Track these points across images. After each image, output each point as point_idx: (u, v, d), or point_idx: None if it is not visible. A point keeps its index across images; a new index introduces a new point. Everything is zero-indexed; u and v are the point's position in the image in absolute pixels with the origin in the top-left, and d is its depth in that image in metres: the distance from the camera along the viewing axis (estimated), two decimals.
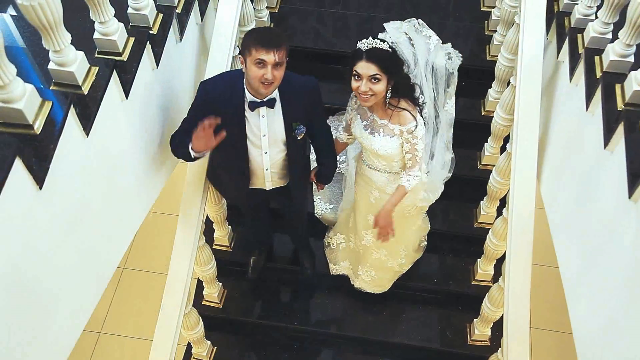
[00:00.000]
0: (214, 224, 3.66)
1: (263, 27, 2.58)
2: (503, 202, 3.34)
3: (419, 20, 3.82)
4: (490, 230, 3.23)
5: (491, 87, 3.64)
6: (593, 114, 2.47)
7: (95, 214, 2.33)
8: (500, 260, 3.32)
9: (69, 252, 2.16)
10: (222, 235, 3.76)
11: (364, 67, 2.62)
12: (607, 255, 2.20)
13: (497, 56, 3.50)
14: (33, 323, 2.00)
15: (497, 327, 3.47)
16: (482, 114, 3.78)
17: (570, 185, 2.66)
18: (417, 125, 2.76)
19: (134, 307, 4.79)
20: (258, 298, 3.78)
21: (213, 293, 3.65)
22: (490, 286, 3.40)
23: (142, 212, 2.79)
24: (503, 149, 3.40)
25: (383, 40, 2.66)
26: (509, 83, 3.27)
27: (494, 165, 3.47)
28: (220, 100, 2.61)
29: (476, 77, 3.83)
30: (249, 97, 2.61)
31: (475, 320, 3.48)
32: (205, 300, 3.71)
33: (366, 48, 2.62)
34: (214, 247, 3.79)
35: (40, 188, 1.92)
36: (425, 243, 3.67)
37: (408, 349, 3.52)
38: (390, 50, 2.66)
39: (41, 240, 1.98)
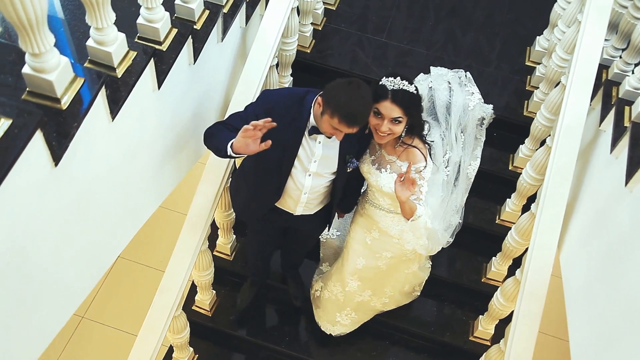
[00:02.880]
0: (218, 230, 3.54)
1: (351, 91, 2.25)
2: (515, 262, 3.23)
3: (468, 73, 3.72)
4: (500, 289, 3.10)
5: (523, 143, 3.54)
6: (632, 191, 2.37)
7: (106, 201, 2.23)
8: (503, 320, 3.20)
9: (72, 236, 2.06)
10: (225, 243, 3.65)
11: (388, 109, 2.48)
12: (628, 343, 2.07)
13: (535, 113, 3.41)
14: (23, 303, 1.89)
15: None
16: (510, 168, 3.67)
17: (596, 259, 2.54)
18: (426, 166, 2.66)
19: (121, 297, 4.67)
20: (250, 313, 3.64)
21: (205, 300, 3.53)
22: (489, 345, 3.28)
23: (152, 207, 2.70)
24: (525, 208, 3.30)
25: (410, 82, 2.51)
26: (542, 143, 3.18)
27: (513, 223, 3.37)
28: (283, 117, 2.41)
29: (509, 130, 3.73)
30: (312, 122, 2.48)
31: None
32: (196, 306, 3.58)
33: (393, 88, 2.47)
34: (215, 253, 3.67)
35: (56, 165, 1.82)
36: (418, 293, 3.51)
37: None
38: (415, 92, 2.52)
39: (46, 219, 1.88)
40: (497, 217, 3.63)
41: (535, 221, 2.88)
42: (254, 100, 2.65)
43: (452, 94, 3.63)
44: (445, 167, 3.55)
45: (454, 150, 3.55)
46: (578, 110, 2.88)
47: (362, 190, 3.03)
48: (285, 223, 2.89)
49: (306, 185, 2.63)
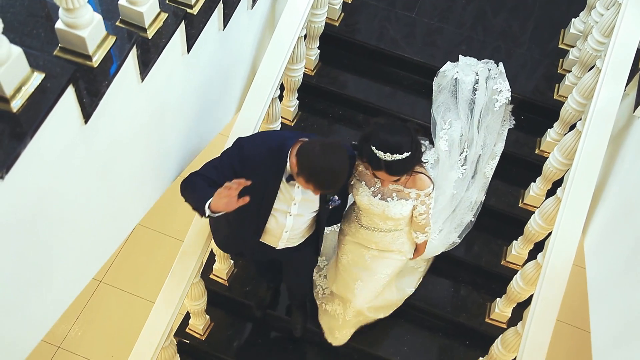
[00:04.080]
0: (216, 256, 3.47)
1: (325, 158, 2.16)
2: (537, 247, 3.19)
3: (500, 66, 3.63)
4: (520, 272, 3.06)
5: (551, 126, 3.47)
6: None
7: (132, 163, 2.22)
8: (520, 304, 3.17)
9: (98, 197, 2.05)
10: (222, 268, 3.54)
11: (386, 176, 2.42)
12: None
13: (565, 97, 3.33)
14: (48, 260, 1.89)
15: None
16: (536, 152, 3.61)
17: (622, 249, 2.49)
18: (433, 187, 2.61)
19: (139, 264, 4.69)
20: (243, 339, 3.58)
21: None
22: (504, 328, 3.25)
23: (176, 171, 2.68)
24: (549, 193, 3.25)
25: (402, 150, 2.33)
26: (571, 127, 3.12)
27: (536, 207, 3.32)
28: (259, 166, 2.36)
29: (537, 114, 3.66)
30: (289, 170, 2.37)
31: (480, 358, 3.33)
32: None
33: (386, 160, 2.34)
34: (211, 276, 3.58)
35: (86, 122, 1.81)
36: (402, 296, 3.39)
37: None
38: (408, 155, 2.35)
39: (74, 177, 1.87)
40: (521, 200, 3.57)
41: (560, 206, 2.83)
42: (234, 140, 2.48)
43: (477, 91, 3.56)
44: (462, 165, 3.52)
45: (472, 148, 3.51)
46: (612, 95, 2.81)
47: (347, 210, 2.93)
48: (270, 255, 2.80)
49: (287, 225, 2.56)
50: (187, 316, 3.51)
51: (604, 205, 2.85)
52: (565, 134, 3.11)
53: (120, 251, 4.72)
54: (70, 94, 1.71)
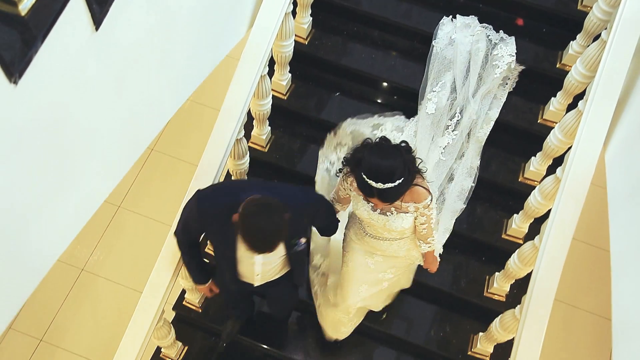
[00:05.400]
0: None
1: (261, 220, 2.13)
2: (556, 163, 3.15)
3: (500, 33, 3.49)
4: (538, 187, 3.04)
5: (574, 39, 3.35)
6: None
7: (145, 74, 2.18)
8: (538, 220, 3.16)
9: (113, 107, 2.02)
10: (193, 298, 3.44)
11: (379, 202, 2.36)
12: None
13: (589, 7, 3.21)
14: (67, 168, 1.89)
15: (516, 286, 3.35)
16: (557, 66, 3.50)
17: None
18: (431, 198, 2.53)
19: (156, 189, 4.74)
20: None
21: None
22: (521, 244, 3.26)
23: (190, 86, 2.63)
24: (570, 107, 3.17)
25: (394, 178, 2.27)
26: (595, 39, 3.01)
27: (556, 122, 3.25)
28: (215, 220, 2.38)
29: (558, 26, 3.54)
30: None
31: (496, 273, 3.36)
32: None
33: (378, 188, 2.28)
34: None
35: (97, 29, 1.75)
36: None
37: (422, 286, 3.41)
38: (401, 181, 2.29)
39: (88, 87, 1.84)
40: (540, 116, 3.51)
41: (582, 118, 2.77)
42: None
43: (474, 57, 3.43)
44: (453, 131, 3.43)
45: (465, 113, 3.41)
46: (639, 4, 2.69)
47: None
48: (249, 288, 2.77)
49: (256, 270, 2.55)
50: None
51: (627, 117, 2.78)
52: (588, 46, 3.01)
53: (136, 177, 4.75)
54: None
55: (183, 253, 2.63)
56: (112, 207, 4.64)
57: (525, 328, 2.66)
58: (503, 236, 3.46)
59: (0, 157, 1.56)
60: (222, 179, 3.38)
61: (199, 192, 2.43)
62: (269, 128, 3.62)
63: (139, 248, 4.51)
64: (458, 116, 3.43)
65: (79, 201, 2.06)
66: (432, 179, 3.31)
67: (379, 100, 3.79)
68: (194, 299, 3.40)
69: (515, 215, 3.38)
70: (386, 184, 2.26)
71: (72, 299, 4.38)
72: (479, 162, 3.43)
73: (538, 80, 3.54)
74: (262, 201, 2.17)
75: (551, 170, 3.11)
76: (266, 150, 3.67)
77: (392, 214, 2.53)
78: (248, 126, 3.48)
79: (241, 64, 2.91)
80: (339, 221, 2.79)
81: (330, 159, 3.45)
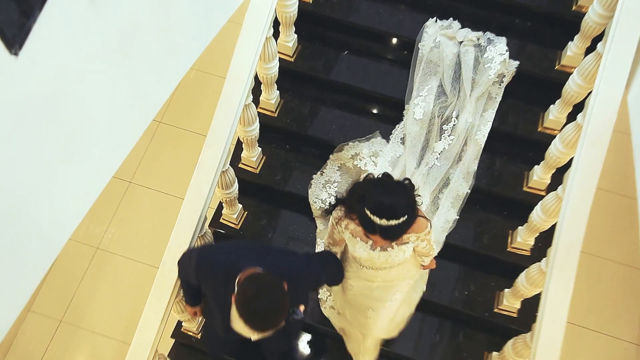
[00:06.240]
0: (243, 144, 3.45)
1: (258, 298, 2.08)
2: (576, 109, 3.10)
3: (493, 37, 3.49)
4: (559, 135, 3.00)
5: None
6: None
7: (147, 42, 2.15)
8: (560, 170, 3.13)
9: (116, 76, 2.01)
10: (191, 326, 3.38)
11: (378, 239, 2.36)
12: None
13: None
14: (70, 146, 1.89)
15: (541, 239, 3.34)
16: (572, 9, 3.43)
17: None
18: (430, 225, 2.52)
19: (166, 162, 4.75)
20: (277, 229, 3.61)
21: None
22: (543, 196, 3.23)
23: (193, 52, 2.61)
24: (588, 51, 3.11)
25: (398, 215, 2.25)
26: None
27: (574, 67, 3.19)
28: (213, 281, 2.41)
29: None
30: None
31: (519, 227, 3.34)
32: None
33: (380, 225, 2.26)
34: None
35: None
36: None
37: (445, 245, 3.40)
38: (404, 220, 2.27)
39: (88, 56, 1.82)
40: (557, 62, 3.45)
41: (601, 60, 2.72)
42: None
43: (464, 58, 3.42)
44: (449, 136, 3.41)
45: (462, 116, 3.38)
46: None
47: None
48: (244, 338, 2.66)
49: (252, 337, 2.38)
50: (220, 206, 3.57)
51: None
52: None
53: (146, 151, 4.77)
54: None
55: (181, 281, 2.70)
56: (124, 184, 4.67)
57: (553, 281, 2.65)
58: (524, 189, 3.43)
59: (3, 131, 1.57)
60: (232, 148, 3.40)
61: (199, 250, 2.51)
62: (278, 92, 3.60)
63: (152, 223, 4.55)
64: (454, 120, 3.41)
65: (89, 175, 2.07)
66: (432, 185, 3.37)
67: (389, 57, 3.75)
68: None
69: (536, 166, 3.35)
70: (390, 221, 2.25)
71: (89, 278, 4.45)
72: (476, 167, 3.41)
73: (554, 24, 3.48)
74: (260, 281, 2.15)
75: (571, 118, 3.06)
76: (276, 115, 3.65)
77: (392, 248, 2.53)
78: (256, 91, 3.47)
79: (245, 27, 2.88)
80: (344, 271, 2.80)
81: (321, 198, 3.51)
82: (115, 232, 4.56)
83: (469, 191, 3.39)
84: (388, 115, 3.62)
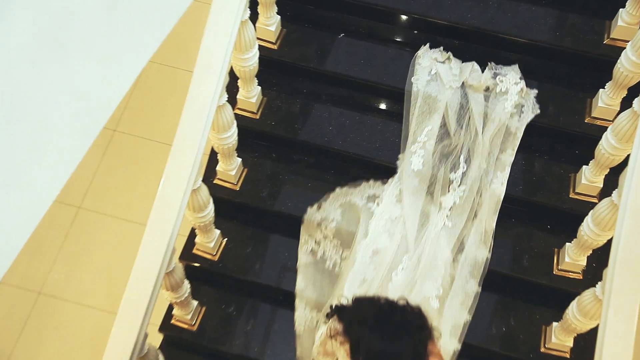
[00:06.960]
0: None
1: None
2: (632, 93, 3.12)
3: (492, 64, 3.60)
4: (610, 127, 3.01)
5: None
6: None
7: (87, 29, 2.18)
8: (614, 170, 3.14)
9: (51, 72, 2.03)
10: (183, 314, 3.48)
11: None
12: None
13: None
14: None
15: (595, 258, 3.36)
16: None
17: None
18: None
19: (123, 180, 4.78)
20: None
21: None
22: (595, 203, 3.24)
23: (154, 39, 2.64)
24: None
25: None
26: None
27: (626, 41, 3.22)
28: None
29: None
30: None
31: (567, 244, 3.35)
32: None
33: None
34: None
35: None
36: None
37: None
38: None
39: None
40: (606, 36, 3.49)
41: None
42: None
43: (470, 91, 3.52)
44: (459, 186, 3.44)
45: (474, 160, 3.43)
46: None
47: None
48: None
49: None
50: (193, 233, 3.59)
51: None
52: None
53: (98, 167, 4.79)
54: None
55: None
56: (71, 209, 4.66)
57: (611, 309, 2.65)
58: (571, 195, 3.46)
59: None
60: (205, 159, 3.41)
61: None
62: (259, 88, 3.63)
63: (109, 258, 4.59)
64: (463, 167, 3.45)
65: (23, 199, 2.08)
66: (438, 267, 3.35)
67: (397, 39, 3.78)
68: (184, 314, 3.43)
69: (584, 166, 3.37)
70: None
71: (30, 332, 4.45)
72: (494, 225, 3.41)
73: None
74: None
75: (626, 105, 3.08)
76: (258, 116, 3.68)
77: None
78: (232, 88, 3.49)
79: (214, 8, 2.90)
80: None
81: (315, 238, 3.53)
82: (62, 272, 4.56)
83: (489, 255, 3.38)
84: (398, 111, 3.64)
